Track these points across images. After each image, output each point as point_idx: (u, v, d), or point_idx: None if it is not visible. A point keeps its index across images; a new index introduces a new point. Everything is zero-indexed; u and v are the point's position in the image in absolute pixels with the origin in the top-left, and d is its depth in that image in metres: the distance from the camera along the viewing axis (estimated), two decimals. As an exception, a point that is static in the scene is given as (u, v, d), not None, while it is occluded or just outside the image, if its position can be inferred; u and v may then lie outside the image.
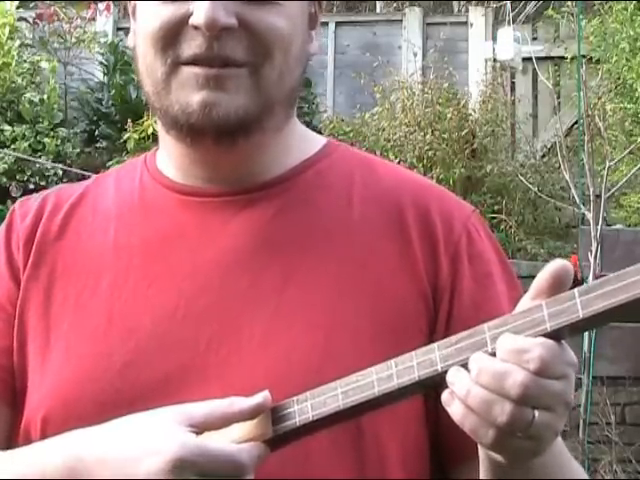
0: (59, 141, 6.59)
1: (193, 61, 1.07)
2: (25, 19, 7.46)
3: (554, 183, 6.57)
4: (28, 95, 6.74)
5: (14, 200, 5.77)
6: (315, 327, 1.06)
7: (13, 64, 6.85)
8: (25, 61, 7.09)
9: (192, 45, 1.07)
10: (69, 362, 1.09)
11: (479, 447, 0.95)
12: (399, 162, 6.09)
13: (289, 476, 1.02)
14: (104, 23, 7.80)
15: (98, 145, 6.84)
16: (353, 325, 1.07)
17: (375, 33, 8.12)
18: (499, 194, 6.47)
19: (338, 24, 8.16)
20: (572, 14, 6.77)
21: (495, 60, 7.56)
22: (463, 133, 6.46)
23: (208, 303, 1.08)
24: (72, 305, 1.12)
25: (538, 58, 7.17)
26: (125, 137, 6.27)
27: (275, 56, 1.08)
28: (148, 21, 1.10)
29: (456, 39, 7.87)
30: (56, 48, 7.34)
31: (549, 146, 6.98)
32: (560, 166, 5.85)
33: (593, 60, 6.67)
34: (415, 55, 7.71)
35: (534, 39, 7.76)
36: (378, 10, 9.59)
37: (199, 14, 1.05)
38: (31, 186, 6.28)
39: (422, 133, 6.43)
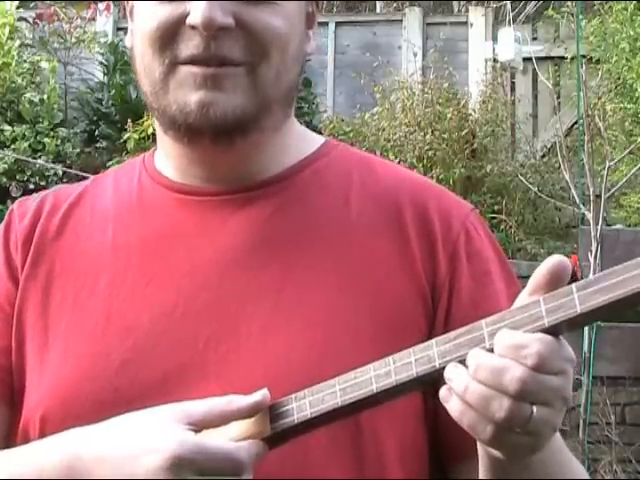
0: (59, 141, 6.59)
1: (191, 61, 1.07)
2: (25, 19, 7.46)
3: (554, 183, 6.57)
4: (28, 95, 6.74)
5: (14, 200, 5.73)
6: (314, 325, 1.06)
7: (13, 64, 6.85)
8: (25, 61, 7.10)
9: (189, 45, 1.07)
10: (67, 361, 1.09)
11: (478, 443, 0.95)
12: (399, 162, 6.08)
13: (288, 474, 1.02)
14: (104, 23, 7.81)
15: (98, 145, 6.84)
16: (352, 323, 1.07)
17: (375, 33, 8.12)
18: (499, 194, 6.47)
19: (338, 24, 8.16)
20: (572, 14, 6.77)
21: (495, 60, 7.55)
22: (463, 133, 6.46)
23: (207, 301, 1.08)
24: (70, 304, 1.12)
25: (538, 58, 7.17)
26: (125, 137, 6.27)
27: (272, 55, 1.08)
28: (146, 21, 1.10)
29: (456, 39, 7.87)
30: (56, 48, 7.34)
31: (549, 146, 6.98)
32: (560, 166, 5.86)
33: (593, 60, 6.67)
34: (415, 55, 7.71)
35: (534, 39, 7.76)
36: (378, 10, 9.59)
37: (196, 14, 1.05)
38: (31, 186, 6.28)
39: (422, 133, 6.43)
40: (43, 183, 6.25)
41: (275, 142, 1.15)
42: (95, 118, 7.00)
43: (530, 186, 6.31)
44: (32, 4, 7.63)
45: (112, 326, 1.09)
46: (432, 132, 6.41)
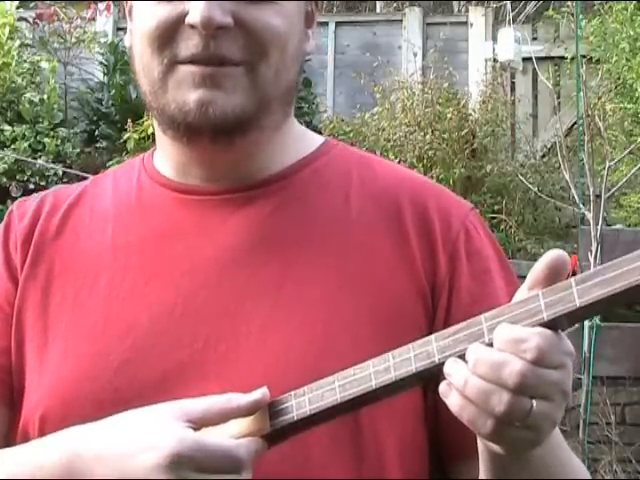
0: (59, 141, 6.59)
1: (190, 60, 1.08)
2: (25, 19, 7.46)
3: (554, 183, 6.57)
4: (28, 95, 6.74)
5: (14, 200, 5.74)
6: (313, 323, 1.06)
7: (13, 64, 6.84)
8: (25, 61, 7.09)
9: (189, 44, 1.07)
10: (67, 361, 1.09)
11: (478, 441, 0.95)
12: (399, 162, 6.08)
13: (288, 472, 1.02)
14: (104, 23, 7.81)
15: (98, 145, 6.84)
16: (351, 321, 1.07)
17: (375, 33, 8.12)
18: (499, 194, 6.47)
19: (338, 24, 8.16)
20: (572, 14, 6.76)
21: (495, 60, 7.55)
22: (463, 133, 6.46)
23: (206, 300, 1.08)
24: (70, 304, 1.12)
25: (538, 58, 7.17)
26: (125, 137, 6.26)
27: (271, 54, 1.09)
28: (144, 21, 1.10)
29: (456, 39, 7.87)
30: (56, 48, 7.34)
31: (549, 146, 6.98)
32: (560, 166, 5.85)
33: (593, 60, 6.67)
34: (415, 55, 7.71)
35: (534, 39, 7.76)
36: (378, 10, 9.59)
37: (195, 13, 1.06)
38: (31, 186, 6.28)
39: (422, 133, 6.42)
40: (43, 183, 6.25)
41: (275, 141, 1.15)
42: (95, 118, 7.00)
43: (530, 186, 6.31)
44: (32, 4, 7.62)
45: (111, 326, 1.09)
46: (432, 132, 6.41)
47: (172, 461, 0.91)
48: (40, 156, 6.44)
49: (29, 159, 6.32)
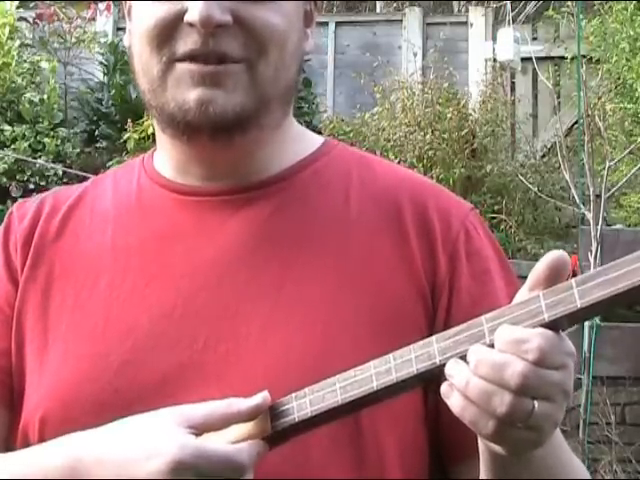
0: (59, 141, 6.59)
1: (189, 58, 1.07)
2: (25, 19, 7.46)
3: (554, 183, 6.57)
4: (28, 95, 6.74)
5: (14, 200, 5.77)
6: (313, 323, 1.06)
7: (13, 64, 6.84)
8: (25, 61, 7.09)
9: (188, 42, 1.07)
10: (67, 363, 1.09)
11: (479, 442, 0.95)
12: (399, 162, 6.08)
13: (288, 474, 1.02)
14: (104, 23, 7.81)
15: (98, 145, 6.84)
16: (351, 321, 1.07)
17: (375, 33, 8.12)
18: (499, 194, 6.47)
19: (338, 24, 8.16)
20: (572, 14, 6.76)
21: (495, 60, 7.55)
22: (463, 133, 6.46)
23: (206, 301, 1.08)
24: (70, 306, 1.12)
25: (538, 58, 7.16)
26: (125, 137, 6.26)
27: (270, 52, 1.09)
28: (143, 20, 1.10)
29: (456, 39, 7.87)
30: (56, 48, 7.34)
31: (549, 146, 6.98)
32: (560, 166, 5.85)
33: (593, 60, 6.67)
34: (415, 55, 7.71)
35: (534, 39, 7.76)
36: (378, 10, 9.59)
37: (194, 11, 1.06)
38: (31, 186, 6.28)
39: (422, 133, 6.42)
40: (43, 183, 6.25)
41: (274, 140, 1.15)
42: (95, 118, 7.00)
43: (530, 186, 6.31)
44: (32, 4, 7.62)
45: (111, 327, 1.09)
46: (432, 132, 6.40)
47: (174, 468, 0.91)
48: (40, 156, 6.44)
49: (29, 159, 6.32)
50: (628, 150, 5.96)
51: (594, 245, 5.15)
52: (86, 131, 7.03)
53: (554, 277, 0.87)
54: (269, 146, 1.15)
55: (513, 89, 7.77)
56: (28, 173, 6.37)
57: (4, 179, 6.33)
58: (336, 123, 6.91)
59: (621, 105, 6.45)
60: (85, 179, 1.30)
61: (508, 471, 0.97)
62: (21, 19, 7.38)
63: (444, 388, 0.89)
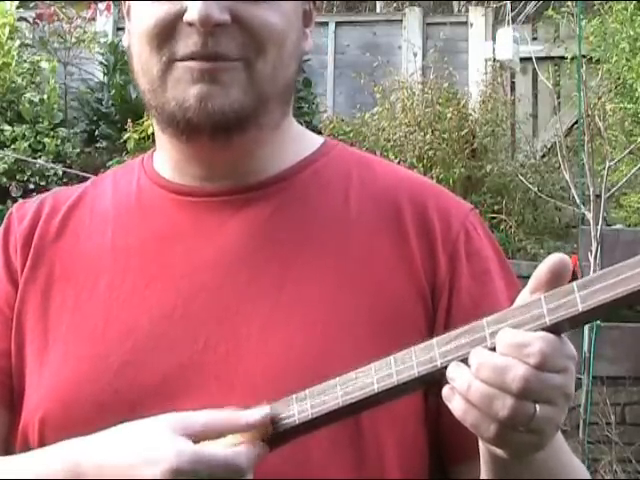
0: (59, 141, 6.59)
1: (189, 57, 1.08)
2: (25, 19, 7.46)
3: (554, 183, 6.57)
4: (28, 95, 6.74)
5: (14, 200, 5.77)
6: (313, 323, 1.06)
7: (13, 64, 6.84)
8: (25, 61, 7.09)
9: (187, 42, 1.07)
10: (67, 363, 1.09)
11: (480, 443, 0.95)
12: (399, 162, 6.09)
13: (288, 474, 1.01)
14: (104, 23, 7.81)
15: (98, 145, 6.84)
16: (351, 321, 1.07)
17: (375, 33, 8.12)
18: (499, 194, 6.47)
19: (338, 24, 8.16)
20: (572, 14, 6.76)
21: (495, 60, 7.55)
22: (463, 133, 6.46)
23: (206, 302, 1.08)
24: (70, 307, 1.12)
25: (538, 58, 7.16)
26: (125, 137, 6.26)
27: (269, 51, 1.09)
28: (143, 20, 1.10)
29: (456, 39, 7.87)
30: (56, 48, 7.34)
31: (549, 146, 6.98)
32: (560, 166, 5.86)
33: (593, 60, 6.67)
34: (415, 55, 7.71)
35: (534, 39, 7.76)
36: (378, 10, 9.59)
37: (193, 11, 1.06)
38: (31, 186, 6.29)
39: (422, 133, 6.43)
40: (43, 183, 6.25)
41: (273, 140, 1.15)
42: (95, 118, 7.00)
43: (530, 186, 6.31)
44: (32, 4, 7.62)
45: (112, 328, 1.09)
46: (432, 132, 6.41)
47: (172, 475, 0.91)
48: (40, 156, 6.44)
49: (29, 159, 6.32)
50: (628, 150, 5.96)
51: (594, 245, 5.15)
52: (86, 131, 7.03)
53: (555, 280, 0.86)
54: (268, 146, 1.15)
55: (513, 89, 7.78)
56: (28, 173, 6.37)
57: (4, 179, 6.33)
58: (336, 123, 6.91)
59: (621, 105, 6.46)
60: (85, 179, 1.29)
61: (509, 472, 0.97)
62: (21, 19, 7.38)
63: (445, 391, 0.89)
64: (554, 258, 0.88)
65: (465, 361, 0.87)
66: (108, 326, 1.09)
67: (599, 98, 6.16)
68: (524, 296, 0.89)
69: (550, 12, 7.40)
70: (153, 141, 1.21)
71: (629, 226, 6.23)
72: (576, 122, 6.25)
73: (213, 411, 0.96)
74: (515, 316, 0.86)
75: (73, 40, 7.33)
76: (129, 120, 6.22)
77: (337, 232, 1.12)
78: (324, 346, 1.05)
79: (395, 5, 9.64)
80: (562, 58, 7.19)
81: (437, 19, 8.42)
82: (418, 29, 7.99)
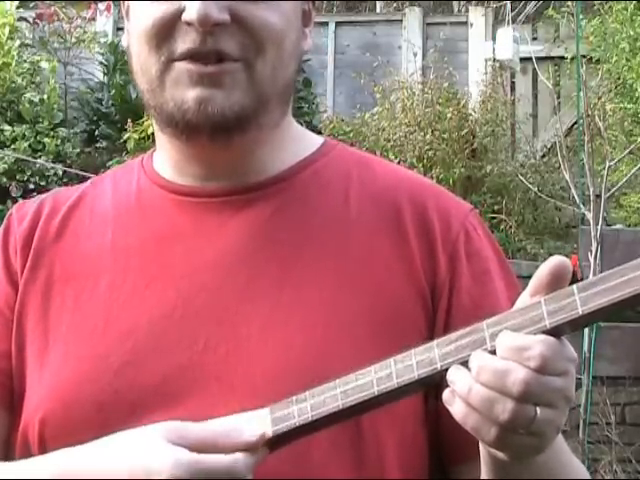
0: (59, 141, 6.59)
1: (188, 57, 1.07)
2: (25, 19, 7.46)
3: (554, 183, 6.57)
4: (28, 95, 6.74)
5: (14, 200, 5.77)
6: (313, 324, 1.06)
7: (13, 64, 6.84)
8: (25, 61, 7.09)
9: (186, 41, 1.07)
10: (67, 364, 1.09)
11: (481, 445, 0.95)
12: (399, 162, 6.09)
13: (288, 475, 1.01)
14: (104, 23, 7.81)
15: (98, 145, 6.84)
16: (350, 322, 1.07)
17: (375, 33, 8.12)
18: (499, 194, 6.47)
19: (338, 24, 8.16)
20: (572, 14, 6.77)
21: (495, 60, 7.55)
22: (463, 133, 6.46)
23: (206, 302, 1.08)
24: (70, 307, 1.12)
25: (538, 58, 7.16)
26: (125, 137, 6.26)
27: (268, 51, 1.09)
28: (141, 19, 1.10)
29: (456, 39, 7.87)
30: (56, 48, 7.34)
31: (549, 146, 6.98)
32: (560, 166, 5.85)
33: (593, 60, 6.67)
34: (415, 55, 7.71)
35: (534, 39, 7.76)
36: (378, 10, 9.59)
37: (192, 10, 1.06)
38: (31, 186, 6.29)
39: (422, 133, 6.43)
40: (43, 183, 6.25)
41: (273, 140, 1.15)
42: (95, 118, 7.00)
43: (530, 186, 6.31)
44: (32, 4, 7.62)
45: (112, 328, 1.09)
46: (432, 132, 6.41)
47: None
48: (40, 156, 6.44)
49: (29, 159, 6.32)
50: (628, 150, 5.96)
51: (594, 245, 5.15)
52: (86, 131, 7.03)
53: (556, 283, 0.86)
54: (268, 146, 1.15)
55: (513, 89, 7.78)
56: (28, 173, 6.37)
57: (4, 179, 6.33)
58: (336, 123, 6.91)
59: (621, 105, 6.46)
60: (85, 179, 1.29)
61: (509, 473, 0.97)
62: (21, 19, 7.38)
63: (446, 395, 0.89)
64: (554, 260, 0.87)
65: (465, 364, 0.87)
66: (108, 326, 1.09)
67: (599, 98, 6.17)
68: (524, 299, 0.89)
69: (550, 12, 7.41)
70: (153, 141, 1.21)
71: (629, 226, 6.23)
72: (576, 122, 6.25)
73: (210, 426, 0.95)
74: (515, 318, 0.86)
75: (73, 40, 7.33)
76: (129, 120, 6.22)
77: (337, 232, 1.12)
78: (324, 346, 1.05)
79: (395, 5, 9.64)
80: (562, 58, 7.19)
81: (437, 19, 8.41)
82: (418, 29, 7.99)
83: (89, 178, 1.29)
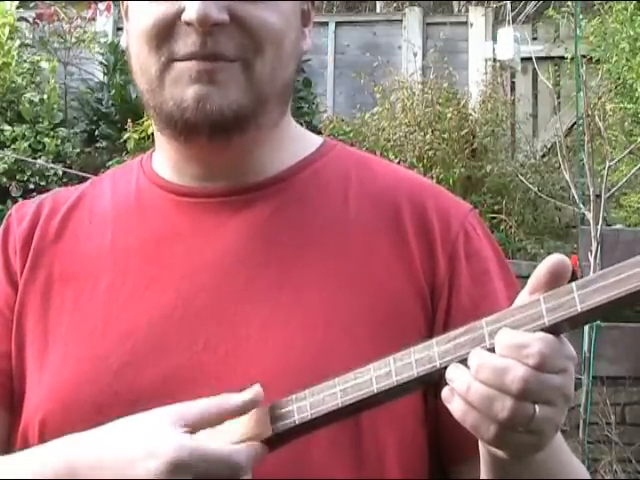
0: (59, 141, 6.59)
1: (188, 57, 1.08)
2: (25, 19, 7.46)
3: (554, 183, 6.57)
4: (28, 95, 6.74)
5: (14, 200, 5.77)
6: (312, 324, 1.06)
7: (13, 64, 6.84)
8: (25, 61, 7.09)
9: (187, 42, 1.07)
10: (67, 364, 1.09)
11: (480, 444, 0.95)
12: (399, 162, 6.09)
13: (288, 475, 1.01)
14: (104, 23, 7.80)
15: (98, 145, 6.84)
16: (350, 322, 1.07)
17: (375, 33, 8.12)
18: (499, 194, 6.47)
19: (338, 24, 8.16)
20: (572, 14, 6.76)
21: (495, 60, 7.55)
22: (463, 133, 6.46)
23: (205, 303, 1.08)
24: (70, 308, 1.12)
25: (538, 58, 7.16)
26: (125, 137, 6.26)
27: (267, 51, 1.09)
28: (141, 20, 1.10)
29: (456, 39, 7.87)
30: (56, 48, 7.34)
31: (549, 146, 6.98)
32: (560, 166, 5.85)
33: (593, 60, 6.67)
34: (415, 55, 7.71)
35: (534, 39, 7.76)
36: (378, 10, 9.59)
37: (191, 11, 1.06)
38: (31, 186, 6.29)
39: (422, 133, 6.42)
40: (43, 183, 6.25)
41: (272, 140, 1.15)
42: (95, 118, 7.00)
43: (530, 186, 6.31)
44: (32, 4, 7.62)
45: (111, 329, 1.09)
46: (432, 132, 6.41)
47: (172, 469, 0.91)
48: (40, 156, 6.44)
49: (29, 159, 6.32)
50: (628, 150, 5.96)
51: (594, 245, 5.15)
52: (86, 131, 7.03)
53: (555, 281, 0.86)
54: (267, 146, 1.15)
55: (513, 89, 7.77)
56: (28, 173, 6.37)
57: (4, 179, 6.33)
58: (336, 123, 6.91)
59: (621, 105, 6.46)
60: (85, 179, 1.29)
61: (509, 472, 0.97)
62: (21, 19, 7.38)
63: (445, 393, 0.89)
64: (553, 259, 0.87)
65: (464, 362, 0.87)
66: (108, 327, 1.09)
67: (599, 98, 6.16)
68: (523, 297, 0.89)
69: (550, 12, 7.41)
70: (153, 141, 1.21)
71: (629, 226, 6.23)
72: (576, 122, 6.25)
73: (206, 400, 0.96)
74: (514, 316, 0.86)
75: (73, 40, 7.33)
76: (129, 120, 6.22)
77: (336, 232, 1.12)
78: (324, 346, 1.05)
79: (395, 5, 9.64)
80: (562, 58, 7.19)
81: (437, 19, 8.41)
82: (418, 29, 7.99)
83: (89, 178, 1.29)
